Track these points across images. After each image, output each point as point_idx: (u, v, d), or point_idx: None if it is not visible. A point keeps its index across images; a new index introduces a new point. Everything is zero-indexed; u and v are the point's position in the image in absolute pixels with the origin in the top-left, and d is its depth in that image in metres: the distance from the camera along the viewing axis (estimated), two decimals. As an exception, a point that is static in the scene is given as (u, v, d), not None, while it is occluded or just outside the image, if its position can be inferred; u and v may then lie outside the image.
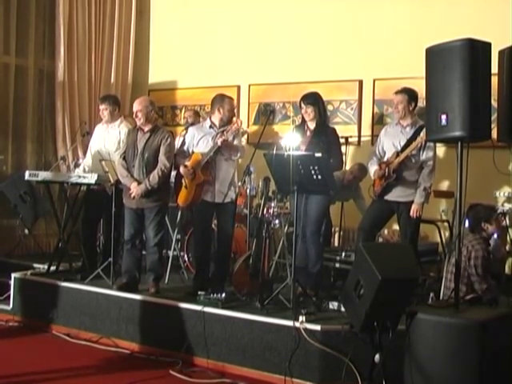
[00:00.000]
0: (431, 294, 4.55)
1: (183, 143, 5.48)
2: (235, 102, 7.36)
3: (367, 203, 5.80)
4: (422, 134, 4.89)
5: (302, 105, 5.27)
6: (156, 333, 5.04)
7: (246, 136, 6.29)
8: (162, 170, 5.29)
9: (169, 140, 5.36)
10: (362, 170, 6.15)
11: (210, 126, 5.37)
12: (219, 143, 5.11)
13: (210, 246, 5.38)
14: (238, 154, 5.33)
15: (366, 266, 3.66)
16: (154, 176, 5.27)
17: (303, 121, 5.36)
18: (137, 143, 5.40)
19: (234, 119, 5.37)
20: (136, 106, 5.38)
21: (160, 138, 5.35)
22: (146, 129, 5.40)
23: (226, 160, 5.29)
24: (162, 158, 5.32)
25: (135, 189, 5.28)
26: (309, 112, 5.23)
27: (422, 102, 5.06)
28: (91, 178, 5.72)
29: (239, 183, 5.60)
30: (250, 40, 7.57)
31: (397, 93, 5.28)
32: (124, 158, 5.45)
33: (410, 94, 5.21)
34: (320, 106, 5.29)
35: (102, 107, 6.14)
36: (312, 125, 5.28)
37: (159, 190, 5.32)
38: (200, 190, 5.25)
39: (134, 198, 5.30)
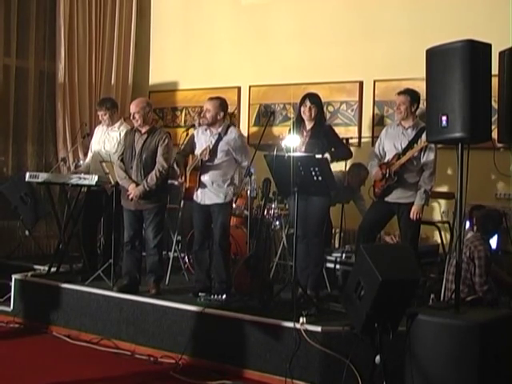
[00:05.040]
0: (432, 296, 4.56)
1: (190, 143, 5.52)
2: (235, 103, 7.44)
3: (367, 204, 5.80)
4: (424, 137, 4.88)
5: (307, 102, 5.22)
6: (157, 334, 5.03)
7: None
8: (159, 171, 5.29)
9: (166, 141, 5.36)
10: (360, 169, 6.12)
11: (206, 129, 5.40)
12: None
13: (207, 246, 5.37)
14: (244, 158, 5.34)
15: (366, 267, 3.66)
16: (152, 177, 5.27)
17: (299, 119, 5.34)
18: (134, 145, 5.39)
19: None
20: (133, 108, 5.38)
21: (157, 139, 5.35)
22: (144, 130, 5.40)
23: (223, 161, 5.29)
24: (159, 159, 5.31)
25: (133, 190, 5.28)
26: (312, 111, 5.21)
27: (422, 104, 5.07)
28: (92, 180, 5.72)
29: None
30: (250, 41, 7.57)
31: (399, 93, 5.27)
32: (122, 160, 5.46)
33: (413, 96, 5.20)
34: (321, 109, 5.30)
35: (100, 113, 6.13)
36: (309, 124, 5.28)
37: (157, 191, 5.32)
38: (190, 191, 5.33)
39: (132, 199, 5.30)
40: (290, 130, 5.47)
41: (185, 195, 5.44)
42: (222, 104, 5.35)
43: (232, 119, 7.40)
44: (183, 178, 5.38)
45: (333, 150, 5.20)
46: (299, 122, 5.33)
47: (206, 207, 5.32)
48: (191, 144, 5.48)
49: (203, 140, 5.36)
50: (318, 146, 5.10)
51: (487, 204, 5.56)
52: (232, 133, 5.35)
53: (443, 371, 3.60)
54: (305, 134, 5.27)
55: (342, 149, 5.30)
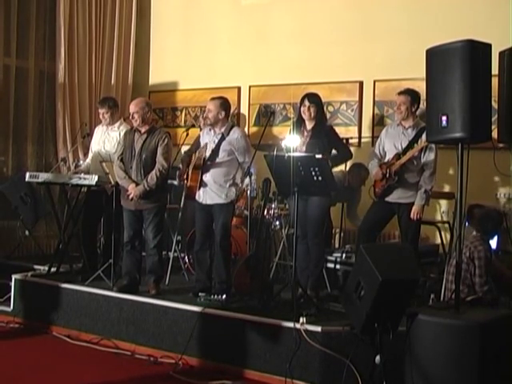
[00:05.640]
0: (432, 296, 4.56)
1: (196, 143, 5.53)
2: (235, 103, 7.44)
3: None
4: (424, 137, 4.88)
5: (306, 102, 5.23)
6: (157, 334, 5.03)
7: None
8: (159, 171, 5.29)
9: (166, 140, 5.36)
10: (360, 169, 6.12)
11: (210, 129, 5.42)
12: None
13: (208, 246, 5.37)
14: (246, 158, 5.33)
15: (366, 267, 3.66)
16: (152, 177, 5.27)
17: (300, 119, 5.34)
18: (134, 145, 5.39)
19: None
20: (132, 108, 5.39)
21: (157, 138, 5.35)
22: (143, 130, 5.40)
23: (225, 161, 5.30)
24: (159, 158, 5.31)
25: (133, 190, 5.28)
26: (311, 111, 5.21)
27: (422, 104, 5.06)
28: (92, 180, 5.72)
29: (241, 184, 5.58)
30: (250, 41, 7.56)
31: (400, 93, 5.27)
32: (121, 160, 5.46)
33: (413, 96, 5.20)
34: (321, 108, 5.30)
35: (102, 111, 6.13)
36: (309, 124, 5.28)
37: (157, 191, 5.32)
38: (191, 190, 5.34)
39: (132, 199, 5.30)
40: (290, 130, 5.47)
41: (187, 194, 5.46)
42: (222, 103, 5.35)
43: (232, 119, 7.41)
44: (185, 176, 5.39)
45: (334, 151, 5.23)
46: (300, 123, 5.33)
47: (207, 207, 5.32)
48: (197, 144, 5.51)
49: (207, 140, 5.39)
50: (319, 146, 5.10)
51: (487, 204, 5.55)
52: (235, 133, 5.35)
53: (443, 371, 3.60)
54: (305, 133, 5.27)
55: (342, 150, 5.32)
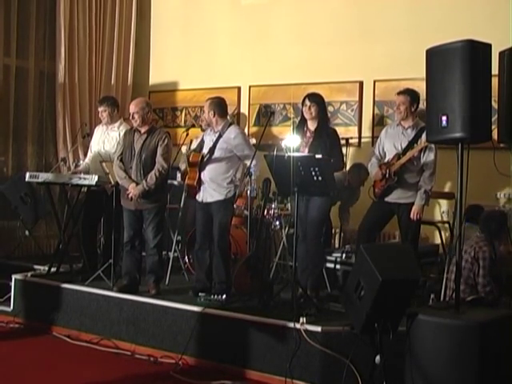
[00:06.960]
0: (432, 296, 4.56)
1: (200, 143, 5.57)
2: (235, 103, 7.45)
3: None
4: (424, 137, 4.88)
5: (307, 101, 5.23)
6: (157, 334, 5.03)
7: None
8: (159, 171, 5.29)
9: (166, 141, 5.37)
10: (360, 169, 6.11)
11: (211, 129, 5.46)
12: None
13: (207, 246, 5.37)
14: (245, 152, 5.33)
15: (366, 267, 3.66)
16: (152, 177, 5.27)
17: (302, 120, 5.35)
18: (134, 144, 5.40)
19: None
20: (132, 108, 5.39)
21: (157, 138, 5.36)
22: (143, 130, 5.40)
23: (222, 159, 5.30)
24: (159, 158, 5.32)
25: (133, 190, 5.29)
26: (312, 110, 5.20)
27: (422, 104, 5.06)
28: (92, 180, 5.72)
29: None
30: (250, 41, 7.57)
31: (399, 93, 5.27)
32: (121, 160, 5.46)
33: (413, 96, 5.21)
34: (323, 108, 5.29)
35: (100, 109, 6.16)
36: (312, 125, 5.27)
37: (157, 191, 5.32)
38: (191, 188, 5.37)
39: (131, 199, 5.31)
40: (292, 130, 5.46)
41: (187, 192, 5.48)
42: (211, 103, 5.39)
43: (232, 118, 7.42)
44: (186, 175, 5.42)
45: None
46: (303, 124, 5.33)
47: (207, 206, 5.32)
48: (200, 144, 5.52)
49: (208, 139, 5.43)
50: (321, 148, 5.09)
51: (487, 204, 5.55)
52: (231, 132, 5.36)
53: (443, 371, 3.60)
54: (308, 134, 5.27)
55: (336, 159, 5.17)
